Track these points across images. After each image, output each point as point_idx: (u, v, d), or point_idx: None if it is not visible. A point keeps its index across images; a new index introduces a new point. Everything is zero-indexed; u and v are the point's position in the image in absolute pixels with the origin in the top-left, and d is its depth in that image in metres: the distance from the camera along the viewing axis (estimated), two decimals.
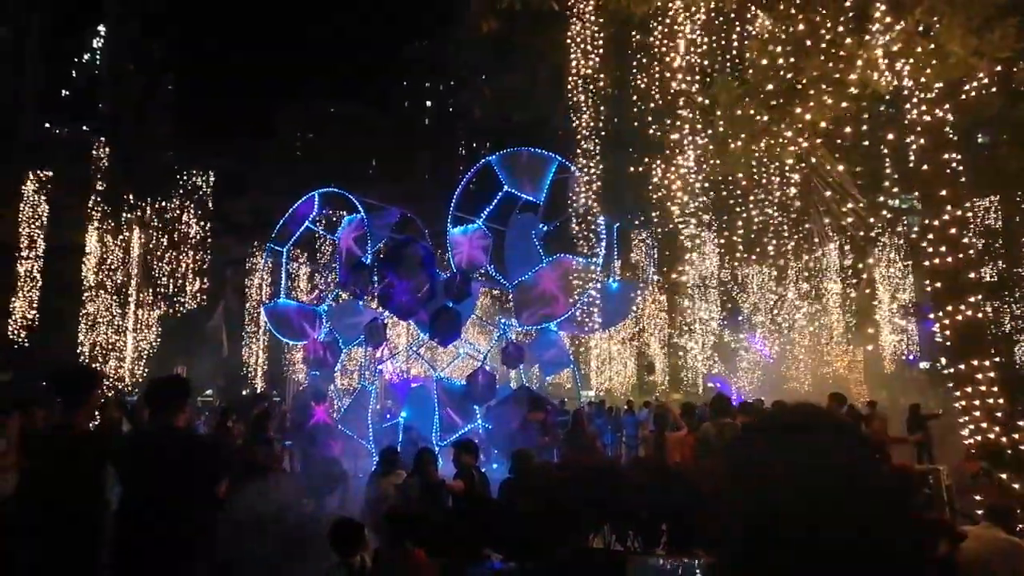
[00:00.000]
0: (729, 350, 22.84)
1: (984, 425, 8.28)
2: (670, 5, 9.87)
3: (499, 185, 13.88)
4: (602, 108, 11.22)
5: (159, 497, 3.65)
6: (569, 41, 11.03)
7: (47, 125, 33.59)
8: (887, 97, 8.64)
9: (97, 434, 5.50)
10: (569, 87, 11.20)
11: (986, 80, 8.67)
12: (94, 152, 30.07)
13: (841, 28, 8.22)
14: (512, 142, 14.68)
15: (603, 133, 11.38)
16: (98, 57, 41.24)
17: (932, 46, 8.27)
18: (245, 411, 12.62)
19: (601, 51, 10.98)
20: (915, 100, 8.59)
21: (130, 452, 3.97)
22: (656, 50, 10.38)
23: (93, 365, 29.01)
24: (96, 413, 7.04)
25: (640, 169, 11.67)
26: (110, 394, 21.52)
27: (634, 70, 10.99)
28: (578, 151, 11.31)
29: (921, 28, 8.36)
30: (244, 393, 29.20)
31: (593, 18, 10.79)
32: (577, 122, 11.18)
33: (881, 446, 10.60)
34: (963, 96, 8.80)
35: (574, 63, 11.04)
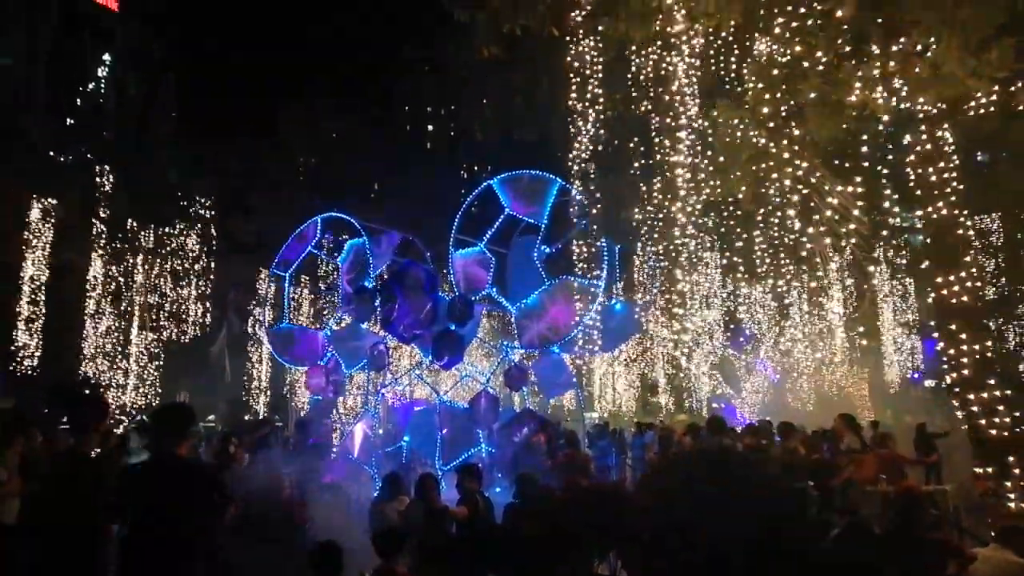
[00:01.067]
0: (733, 371, 22.78)
1: (991, 443, 8.23)
2: (668, 30, 9.99)
3: (501, 207, 13.94)
4: (602, 131, 11.30)
5: (158, 527, 3.64)
6: (568, 65, 11.15)
7: (51, 153, 33.84)
8: (885, 118, 8.70)
9: (98, 459, 5.52)
10: (569, 110, 11.31)
11: (984, 100, 8.72)
12: (97, 178, 30.23)
13: (838, 51, 8.30)
14: (514, 165, 14.77)
15: (604, 155, 11.46)
16: (103, 85, 41.62)
17: (929, 67, 8.34)
18: (248, 436, 12.57)
19: (600, 75, 11.09)
20: (913, 120, 8.65)
21: (130, 482, 3.97)
22: (655, 74, 10.49)
23: (97, 390, 28.99)
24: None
25: (642, 191, 11.74)
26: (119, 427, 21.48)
27: (633, 93, 11.10)
28: (579, 172, 11.39)
29: (919, 49, 8.43)
30: (247, 418, 29.11)
31: (592, 42, 10.92)
32: (578, 144, 11.26)
33: (897, 466, 10.52)
34: (961, 116, 8.86)
35: (574, 86, 11.15)
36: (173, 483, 3.75)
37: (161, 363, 30.25)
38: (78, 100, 40.76)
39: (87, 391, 26.59)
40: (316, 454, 11.26)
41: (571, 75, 11.15)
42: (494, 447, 13.62)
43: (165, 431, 3.97)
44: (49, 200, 28.10)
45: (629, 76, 11.28)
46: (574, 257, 12.88)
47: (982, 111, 8.90)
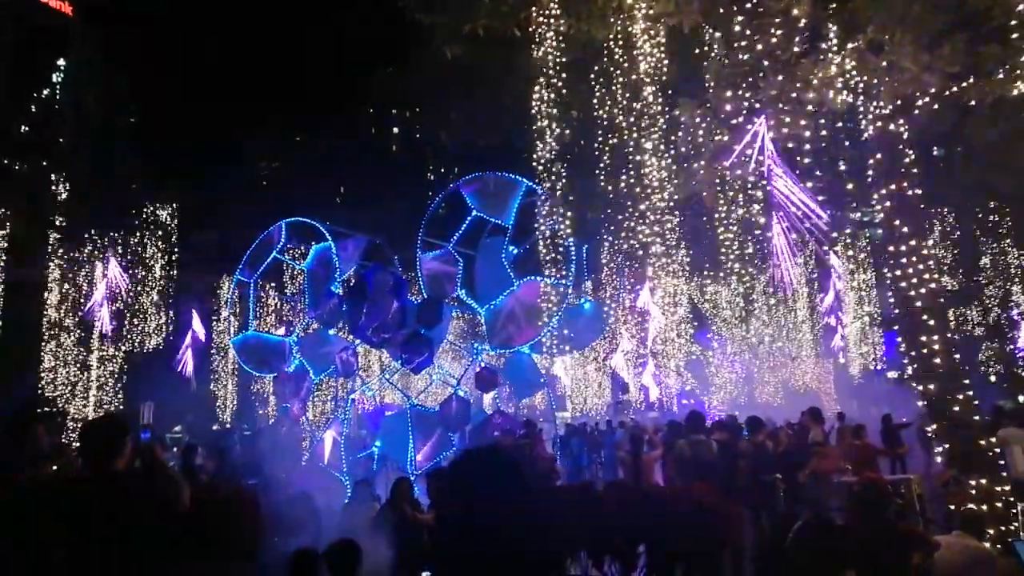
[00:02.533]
0: (701, 367, 23.00)
1: (952, 432, 8.40)
2: (630, 29, 10.03)
3: (468, 209, 13.89)
4: (567, 131, 11.31)
5: (100, 550, 3.44)
6: (532, 66, 11.15)
7: (5, 161, 32.96)
8: (843, 114, 8.84)
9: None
10: (533, 111, 11.30)
11: (938, 95, 8.91)
12: (54, 187, 29.59)
13: (796, 48, 8.41)
14: (480, 166, 14.73)
15: (568, 156, 11.47)
16: (58, 91, 40.64)
17: (884, 63, 8.49)
18: (215, 447, 12.36)
19: (564, 75, 11.11)
20: (870, 116, 8.80)
21: (61, 502, 3.72)
22: (617, 73, 10.53)
23: (56, 405, 28.31)
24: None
25: (607, 190, 11.77)
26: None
27: (597, 93, 11.12)
28: (545, 173, 11.38)
29: (873, 45, 8.58)
30: (214, 428, 28.65)
31: (555, 43, 10.92)
32: (543, 145, 11.26)
33: (870, 457, 10.70)
34: (916, 111, 9.03)
35: (537, 87, 11.15)
36: (111, 501, 3.56)
37: (124, 374, 29.61)
38: (32, 107, 39.79)
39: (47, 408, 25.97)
40: (282, 463, 11.10)
41: (535, 76, 11.16)
42: None
43: (96, 448, 3.75)
44: (2, 210, 27.38)
45: (592, 76, 11.30)
46: (542, 257, 12.87)
47: (936, 107, 9.10)
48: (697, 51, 10.47)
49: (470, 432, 13.57)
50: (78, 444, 3.96)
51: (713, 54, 9.97)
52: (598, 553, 6.09)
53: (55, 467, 6.91)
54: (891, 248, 8.86)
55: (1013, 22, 8.06)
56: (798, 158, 8.64)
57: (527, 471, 1.68)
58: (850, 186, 9.34)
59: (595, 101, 11.15)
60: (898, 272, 8.76)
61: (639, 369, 21.95)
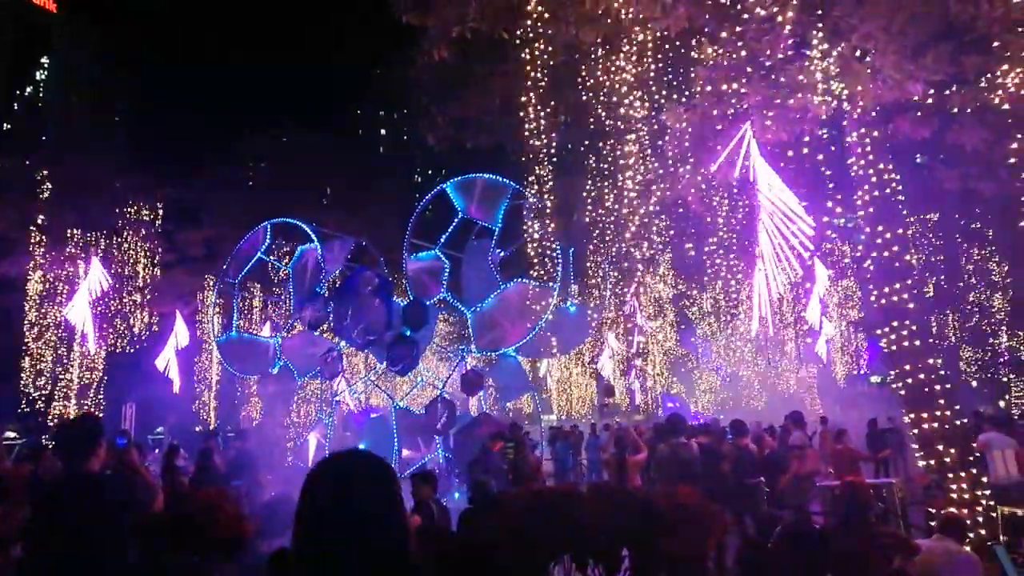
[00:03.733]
0: (686, 370, 23.09)
1: (932, 438, 8.47)
2: (617, 34, 10.06)
3: (455, 212, 13.89)
4: (554, 135, 11.32)
5: (66, 548, 3.42)
6: (519, 69, 11.14)
7: None
8: (824, 118, 8.90)
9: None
10: (521, 114, 11.30)
11: (921, 103, 8.99)
12: (37, 186, 29.22)
13: (781, 55, 8.46)
14: (467, 169, 14.72)
15: (556, 159, 11.47)
16: (41, 89, 40.23)
17: (868, 71, 8.55)
18: (197, 448, 12.25)
19: (551, 78, 11.11)
20: (854, 122, 8.87)
21: (39, 502, 3.70)
22: (604, 77, 10.56)
23: (37, 405, 28.01)
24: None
25: (593, 194, 11.79)
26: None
27: (584, 97, 11.14)
28: (532, 177, 11.39)
29: (857, 53, 8.64)
30: (197, 429, 28.39)
31: (542, 46, 10.92)
32: (530, 148, 11.26)
33: (851, 461, 10.78)
34: (899, 119, 9.11)
35: (525, 90, 11.15)
36: (83, 501, 3.54)
37: (106, 375, 29.27)
38: (15, 104, 39.36)
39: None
40: (266, 465, 11.02)
41: (522, 79, 11.16)
42: (451, 452, 13.53)
43: (72, 448, 3.75)
44: None
45: (579, 80, 11.32)
46: (529, 260, 12.88)
47: (919, 114, 9.18)
48: (683, 56, 10.51)
49: (455, 434, 13.56)
50: (54, 444, 3.96)
51: (700, 59, 10.01)
52: (581, 556, 6.07)
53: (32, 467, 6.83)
54: (873, 254, 8.93)
55: (995, 29, 8.15)
56: (782, 164, 8.69)
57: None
58: (833, 191, 9.41)
59: (582, 104, 11.17)
60: (880, 278, 8.84)
61: (627, 373, 22.00)
